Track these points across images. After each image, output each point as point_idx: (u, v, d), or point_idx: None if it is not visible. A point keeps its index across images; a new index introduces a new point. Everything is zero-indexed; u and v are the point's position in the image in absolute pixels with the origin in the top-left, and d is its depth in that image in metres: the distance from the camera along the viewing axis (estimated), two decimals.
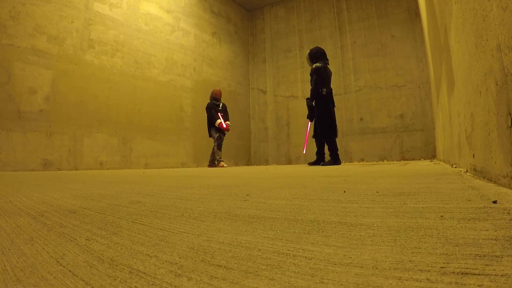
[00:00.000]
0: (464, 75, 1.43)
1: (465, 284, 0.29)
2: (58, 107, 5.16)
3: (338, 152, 4.82)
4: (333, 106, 4.89)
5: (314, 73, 4.76)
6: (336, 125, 4.91)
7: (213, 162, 6.42)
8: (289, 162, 8.99)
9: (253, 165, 9.41)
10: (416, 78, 7.46)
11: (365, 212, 0.68)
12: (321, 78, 4.72)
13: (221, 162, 6.30)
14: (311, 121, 4.99)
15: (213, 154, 6.41)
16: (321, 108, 4.77)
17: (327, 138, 4.76)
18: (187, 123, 7.55)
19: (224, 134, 6.44)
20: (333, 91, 5.00)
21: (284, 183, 1.52)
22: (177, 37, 7.50)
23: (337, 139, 4.91)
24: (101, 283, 0.35)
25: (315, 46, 5.22)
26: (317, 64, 4.75)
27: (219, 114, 6.31)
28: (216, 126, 6.29)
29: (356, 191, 1.05)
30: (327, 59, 4.97)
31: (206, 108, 6.44)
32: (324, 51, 4.98)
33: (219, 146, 6.29)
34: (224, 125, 6.30)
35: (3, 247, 0.52)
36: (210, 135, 6.45)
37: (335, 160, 4.71)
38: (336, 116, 5.11)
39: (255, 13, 10.24)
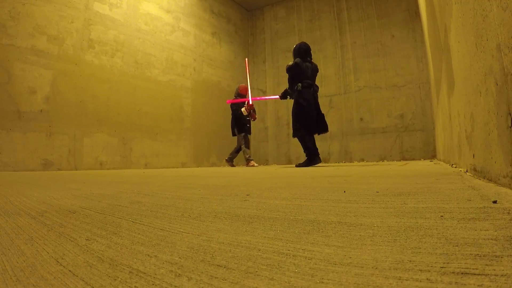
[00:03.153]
0: (464, 75, 1.43)
1: (465, 284, 0.29)
2: (58, 107, 5.15)
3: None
4: (314, 100, 4.61)
5: (287, 71, 4.68)
6: (321, 122, 4.60)
7: (232, 160, 6.40)
8: (289, 162, 8.99)
9: None
10: (416, 78, 7.46)
11: (365, 212, 0.68)
12: (292, 76, 4.61)
13: (251, 161, 6.18)
14: (280, 98, 5.00)
15: (233, 152, 6.40)
16: (294, 105, 4.62)
17: (298, 137, 4.53)
18: (187, 123, 7.55)
19: (249, 133, 6.36)
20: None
21: (284, 183, 1.51)
22: (177, 37, 7.50)
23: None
24: (101, 283, 0.35)
25: (300, 42, 4.99)
26: (289, 63, 4.66)
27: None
28: (240, 125, 6.22)
29: (356, 191, 1.05)
30: (309, 55, 4.76)
31: (231, 108, 6.40)
32: (307, 47, 4.76)
33: (247, 144, 6.23)
34: (250, 102, 6.13)
35: (3, 247, 0.52)
36: (234, 134, 6.39)
37: (310, 160, 4.39)
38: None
39: (255, 13, 10.24)
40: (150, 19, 6.86)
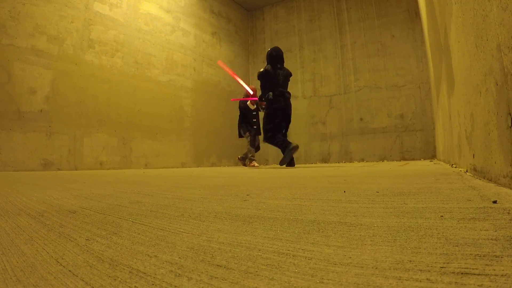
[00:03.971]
0: (464, 75, 1.43)
1: (465, 284, 0.29)
2: (58, 107, 5.15)
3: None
4: (285, 107, 4.66)
5: (258, 78, 4.69)
6: (285, 127, 4.77)
7: (244, 159, 6.37)
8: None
9: None
10: (416, 78, 7.46)
11: (365, 212, 0.68)
12: (264, 83, 4.62)
13: (253, 161, 6.15)
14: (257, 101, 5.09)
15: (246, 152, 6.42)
16: (264, 114, 4.71)
17: (268, 140, 4.64)
18: (187, 123, 7.55)
19: (257, 133, 6.27)
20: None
21: (284, 183, 1.51)
22: (177, 37, 7.50)
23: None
24: (101, 283, 0.35)
25: (275, 46, 4.97)
26: (260, 70, 4.67)
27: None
28: (245, 125, 6.17)
29: (356, 191, 1.05)
30: (281, 61, 4.72)
31: (239, 107, 6.40)
32: (278, 53, 4.72)
33: (251, 143, 6.18)
34: (251, 92, 6.03)
35: (3, 247, 0.52)
36: (240, 135, 6.39)
37: (286, 149, 4.45)
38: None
39: (255, 13, 10.24)
40: (150, 19, 6.86)
